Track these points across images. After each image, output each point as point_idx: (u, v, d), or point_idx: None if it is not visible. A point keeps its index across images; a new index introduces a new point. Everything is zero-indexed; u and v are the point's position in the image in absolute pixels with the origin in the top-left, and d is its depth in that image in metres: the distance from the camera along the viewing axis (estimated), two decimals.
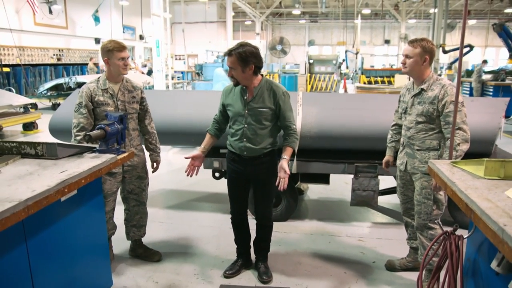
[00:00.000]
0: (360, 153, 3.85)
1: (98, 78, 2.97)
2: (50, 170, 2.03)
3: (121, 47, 2.87)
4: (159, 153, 3.32)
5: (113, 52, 2.83)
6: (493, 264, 1.57)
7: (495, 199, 1.58)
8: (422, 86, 2.73)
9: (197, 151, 2.96)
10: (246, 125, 2.77)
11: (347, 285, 2.97)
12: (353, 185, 3.80)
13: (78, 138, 2.83)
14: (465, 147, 2.57)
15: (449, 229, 2.03)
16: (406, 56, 2.71)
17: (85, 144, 2.53)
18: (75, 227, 2.26)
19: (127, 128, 2.90)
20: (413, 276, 2.98)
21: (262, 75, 2.80)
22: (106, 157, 2.31)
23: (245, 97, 2.76)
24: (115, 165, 2.36)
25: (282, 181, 2.69)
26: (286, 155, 2.76)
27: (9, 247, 1.72)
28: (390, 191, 4.32)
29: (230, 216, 3.11)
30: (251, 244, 3.19)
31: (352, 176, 3.80)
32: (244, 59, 2.61)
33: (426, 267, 2.79)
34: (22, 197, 1.63)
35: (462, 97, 2.62)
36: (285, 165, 2.71)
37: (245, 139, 2.78)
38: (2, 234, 1.60)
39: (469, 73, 16.04)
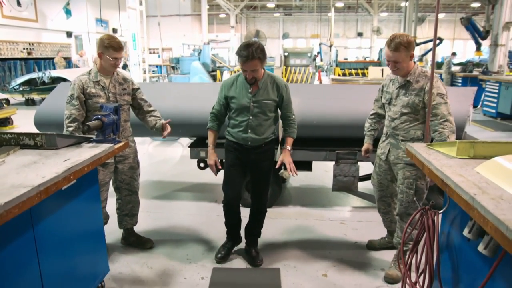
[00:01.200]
0: (341, 141, 4.06)
1: (90, 70, 3.03)
2: (53, 159, 2.11)
3: (117, 47, 2.91)
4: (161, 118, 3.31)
5: (109, 49, 2.88)
6: (465, 232, 1.78)
7: (466, 174, 1.79)
8: (408, 78, 2.79)
9: (214, 155, 3.03)
10: (251, 117, 2.88)
11: (332, 263, 3.17)
12: (335, 171, 4.00)
13: (70, 129, 2.90)
14: (453, 138, 2.64)
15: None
16: (394, 62, 2.73)
17: (82, 135, 2.61)
18: (74, 215, 2.34)
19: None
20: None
21: (263, 68, 2.89)
22: (105, 146, 2.40)
23: (250, 91, 2.86)
24: (112, 154, 2.45)
25: (292, 167, 2.94)
26: (288, 145, 2.99)
27: (19, 233, 1.81)
28: (369, 177, 4.56)
29: (222, 203, 3.19)
30: (242, 228, 3.30)
31: (333, 163, 4.00)
32: (264, 58, 2.74)
33: (405, 245, 3.00)
34: (34, 183, 1.72)
35: (445, 88, 2.73)
36: (287, 155, 2.97)
37: (250, 130, 2.90)
38: (13, 220, 1.69)
39: (439, 65, 16.63)
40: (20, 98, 13.06)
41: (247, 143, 2.95)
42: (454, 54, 14.86)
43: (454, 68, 13.55)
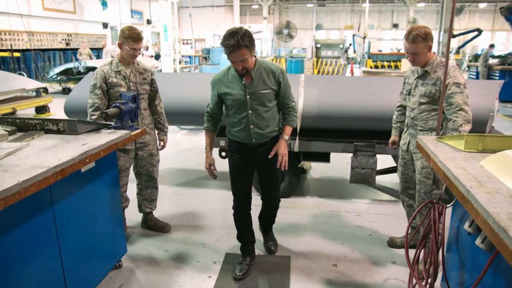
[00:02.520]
0: (359, 133, 4.04)
1: (111, 61, 3.17)
2: (72, 144, 2.25)
3: (136, 38, 3.02)
4: (167, 132, 3.53)
5: (128, 40, 3.01)
6: (466, 225, 1.78)
7: (469, 168, 1.78)
8: (426, 68, 2.81)
9: (208, 158, 2.83)
10: (250, 111, 2.63)
11: (343, 254, 3.19)
12: (352, 163, 3.99)
13: (93, 117, 3.05)
14: (467, 127, 2.62)
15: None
16: (413, 54, 2.74)
17: (102, 122, 2.75)
18: (93, 196, 2.49)
19: (139, 108, 3.11)
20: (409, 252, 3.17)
21: (255, 56, 2.63)
22: (121, 132, 2.53)
23: (243, 83, 2.60)
24: (129, 140, 2.58)
25: (284, 160, 2.65)
26: (285, 135, 2.72)
27: (39, 210, 1.95)
28: (389, 170, 4.53)
29: (232, 208, 2.95)
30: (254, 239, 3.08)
31: (351, 154, 4.00)
32: (251, 44, 2.46)
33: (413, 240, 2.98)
34: (51, 164, 1.86)
35: (464, 79, 2.72)
36: (283, 145, 2.67)
37: (252, 126, 2.66)
38: (34, 197, 1.83)
39: (477, 57, 15.99)
40: (57, 87, 13.64)
41: (251, 141, 2.71)
42: (492, 46, 14.19)
43: (492, 61, 12.96)
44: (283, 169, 2.69)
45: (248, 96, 2.62)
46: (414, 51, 2.73)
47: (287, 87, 2.73)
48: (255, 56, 2.61)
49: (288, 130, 2.76)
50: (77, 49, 18.05)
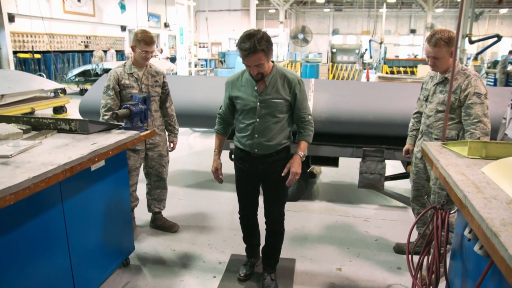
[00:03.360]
0: (368, 138, 4.04)
1: (125, 63, 3.26)
2: (82, 143, 2.33)
3: (148, 41, 3.11)
4: (177, 134, 3.59)
5: (140, 43, 3.10)
6: (466, 231, 1.78)
7: (469, 174, 1.78)
8: (446, 75, 2.72)
9: (215, 162, 2.73)
10: (258, 119, 2.46)
11: (349, 258, 3.20)
12: (361, 168, 3.99)
13: (106, 117, 3.14)
14: (485, 140, 2.53)
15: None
16: (434, 58, 2.67)
17: (113, 122, 2.83)
18: (103, 194, 2.56)
19: (150, 109, 3.18)
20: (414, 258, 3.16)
21: (273, 61, 2.48)
22: (131, 133, 2.60)
23: (256, 88, 2.44)
24: (138, 140, 2.64)
25: (294, 179, 2.49)
26: (300, 151, 2.50)
27: (49, 206, 2.03)
28: (398, 176, 4.50)
29: (238, 213, 2.89)
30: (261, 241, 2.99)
31: (360, 159, 4.00)
32: (269, 49, 2.29)
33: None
34: (61, 162, 1.94)
35: (485, 88, 2.63)
36: (297, 163, 2.48)
37: (256, 135, 2.48)
38: (44, 194, 1.91)
39: (496, 64, 15.74)
40: (75, 88, 13.95)
41: (253, 151, 2.52)
42: (511, 52, 13.96)
43: (511, 68, 12.74)
44: (287, 185, 2.54)
45: (258, 103, 2.44)
46: (435, 55, 2.65)
47: (303, 99, 2.50)
48: (272, 61, 2.46)
49: (303, 145, 2.53)
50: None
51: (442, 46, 2.61)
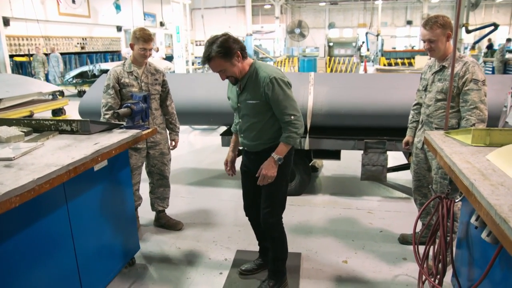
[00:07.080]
0: (369, 130, 4.04)
1: (124, 62, 3.26)
2: (85, 143, 2.32)
3: (146, 39, 3.12)
4: (178, 132, 3.58)
5: (139, 40, 3.10)
6: (472, 219, 1.77)
7: (475, 161, 1.78)
8: (443, 63, 2.72)
9: (228, 155, 2.73)
10: (240, 120, 2.48)
11: (354, 250, 3.20)
12: (363, 161, 3.99)
13: (107, 116, 3.13)
14: (481, 126, 2.53)
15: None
16: (429, 41, 2.66)
17: (113, 122, 2.82)
18: (106, 194, 2.56)
19: (150, 108, 3.17)
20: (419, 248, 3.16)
21: (253, 59, 2.43)
22: (132, 132, 2.59)
23: (237, 89, 2.43)
24: (140, 139, 2.64)
25: (264, 180, 2.37)
26: (276, 154, 2.34)
27: (54, 207, 2.02)
28: (400, 167, 4.50)
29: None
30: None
31: (362, 152, 3.99)
32: (227, 53, 2.21)
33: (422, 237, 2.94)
34: (64, 162, 1.93)
35: (483, 75, 2.62)
36: (269, 165, 2.34)
37: (242, 134, 2.51)
38: (49, 195, 1.90)
39: (493, 52, 15.71)
40: (73, 90, 13.92)
41: (244, 147, 2.59)
42: (509, 40, 13.95)
43: (509, 56, 12.73)
44: (258, 183, 2.41)
45: (238, 104, 2.44)
46: (430, 37, 2.64)
47: (278, 99, 2.28)
48: (253, 59, 2.42)
49: (280, 148, 2.34)
50: (92, 52, 18.38)
51: (436, 28, 2.62)
